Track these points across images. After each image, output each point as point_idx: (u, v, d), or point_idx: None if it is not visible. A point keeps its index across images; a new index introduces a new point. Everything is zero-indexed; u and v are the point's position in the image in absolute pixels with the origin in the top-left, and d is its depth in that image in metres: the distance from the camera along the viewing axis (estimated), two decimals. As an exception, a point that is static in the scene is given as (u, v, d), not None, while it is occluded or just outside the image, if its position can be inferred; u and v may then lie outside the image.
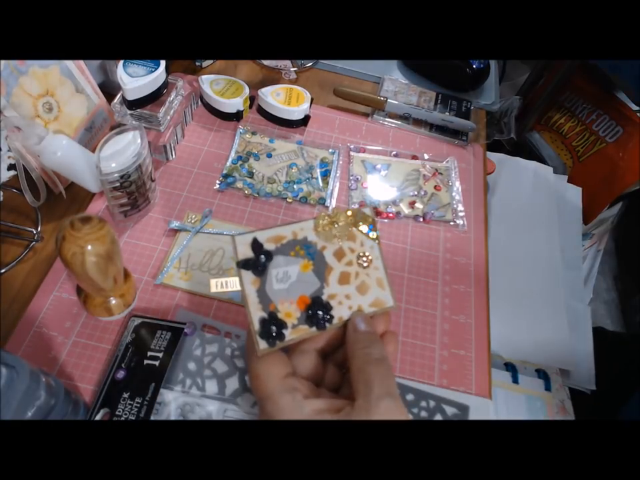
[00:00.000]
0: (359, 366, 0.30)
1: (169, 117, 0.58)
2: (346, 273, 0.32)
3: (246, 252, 0.30)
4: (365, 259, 0.33)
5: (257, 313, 0.30)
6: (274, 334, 0.30)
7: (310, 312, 0.31)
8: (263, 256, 0.30)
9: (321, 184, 0.60)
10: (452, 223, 0.59)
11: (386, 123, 0.68)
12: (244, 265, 0.30)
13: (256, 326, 0.30)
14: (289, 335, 0.30)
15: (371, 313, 0.32)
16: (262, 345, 0.30)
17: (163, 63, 0.56)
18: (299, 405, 0.28)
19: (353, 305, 0.32)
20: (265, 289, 0.30)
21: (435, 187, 0.62)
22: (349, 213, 0.33)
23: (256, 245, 0.30)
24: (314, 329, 0.31)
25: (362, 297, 0.32)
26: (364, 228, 0.33)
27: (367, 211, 0.34)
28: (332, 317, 0.31)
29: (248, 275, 0.30)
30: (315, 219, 0.32)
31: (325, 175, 0.61)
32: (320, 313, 0.31)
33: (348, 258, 0.33)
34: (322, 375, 0.33)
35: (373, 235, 0.33)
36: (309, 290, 0.31)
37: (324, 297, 0.32)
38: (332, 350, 0.33)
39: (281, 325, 0.30)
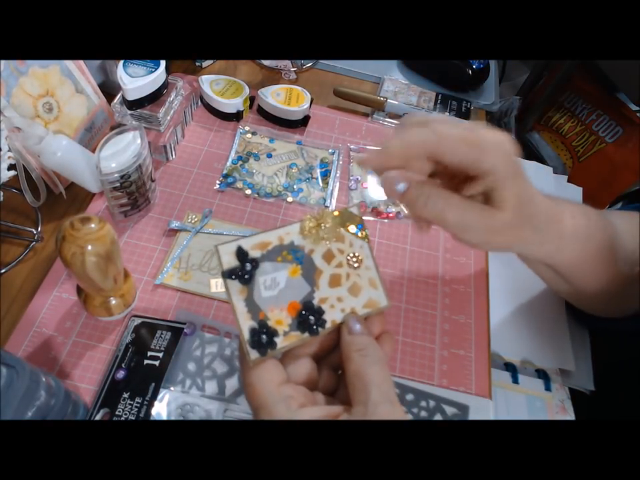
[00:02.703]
0: (354, 370, 0.29)
1: (168, 117, 0.58)
2: (336, 275, 0.31)
3: (231, 261, 0.29)
4: (355, 259, 0.32)
5: (246, 323, 0.29)
6: (265, 343, 0.29)
7: (301, 318, 0.30)
8: (248, 264, 0.30)
9: (320, 184, 0.60)
10: (452, 223, 0.59)
11: (386, 123, 0.68)
12: (230, 274, 0.29)
13: (246, 336, 0.29)
14: (281, 342, 0.30)
15: (364, 314, 0.32)
16: (253, 354, 0.29)
17: (162, 63, 0.56)
18: (293, 414, 0.28)
19: (345, 307, 0.31)
20: (253, 297, 0.30)
21: (435, 187, 0.62)
22: (336, 213, 0.32)
23: (241, 253, 0.30)
24: (306, 334, 0.30)
25: (354, 299, 0.32)
26: (352, 227, 0.32)
27: (354, 210, 0.33)
28: (324, 321, 0.31)
29: (235, 285, 0.29)
30: (301, 221, 0.31)
31: (325, 175, 0.61)
32: (312, 318, 0.30)
33: (337, 259, 0.32)
34: (317, 379, 0.32)
35: (361, 234, 0.32)
36: (299, 295, 0.31)
37: (315, 302, 0.31)
38: (326, 353, 0.33)
39: (272, 333, 0.29)
